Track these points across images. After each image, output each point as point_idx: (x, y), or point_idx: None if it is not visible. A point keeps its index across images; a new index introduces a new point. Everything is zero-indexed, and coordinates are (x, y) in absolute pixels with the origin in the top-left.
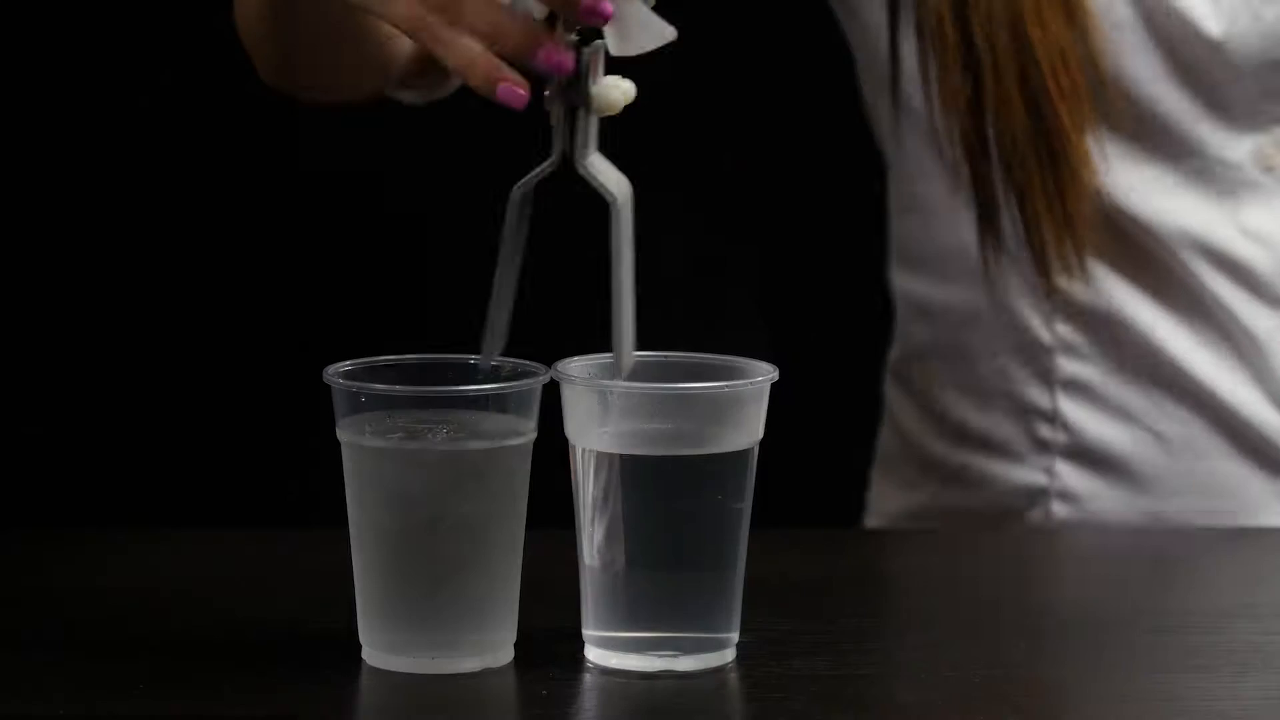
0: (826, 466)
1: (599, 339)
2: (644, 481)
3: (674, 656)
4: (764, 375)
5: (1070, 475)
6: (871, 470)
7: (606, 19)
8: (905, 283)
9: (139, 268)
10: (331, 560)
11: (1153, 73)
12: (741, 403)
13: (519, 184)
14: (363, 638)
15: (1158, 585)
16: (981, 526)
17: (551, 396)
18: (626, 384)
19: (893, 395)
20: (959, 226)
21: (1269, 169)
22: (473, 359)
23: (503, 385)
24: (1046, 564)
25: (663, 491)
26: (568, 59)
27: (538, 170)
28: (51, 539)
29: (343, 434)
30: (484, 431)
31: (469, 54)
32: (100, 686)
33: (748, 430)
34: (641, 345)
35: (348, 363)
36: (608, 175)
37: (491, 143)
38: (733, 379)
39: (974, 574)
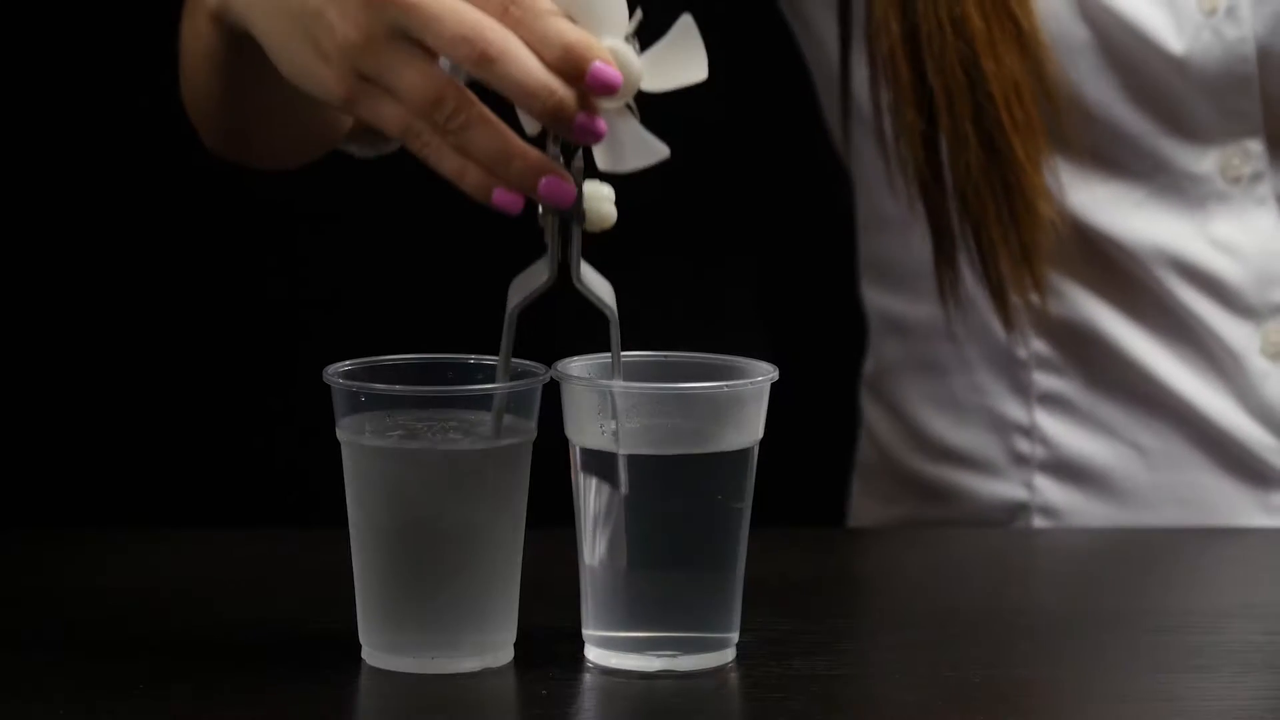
0: (827, 466)
1: (599, 339)
2: (644, 481)
3: (674, 656)
4: (764, 375)
5: (1050, 489)
6: (851, 482)
7: (600, 137)
8: (876, 297)
9: (139, 267)
10: (331, 560)
11: (1112, 95)
12: (741, 402)
13: (516, 303)
14: (363, 638)
15: (1157, 585)
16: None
17: (552, 396)
18: (626, 384)
19: (869, 409)
20: (926, 242)
21: (1236, 180)
22: (472, 359)
23: (503, 385)
24: (1048, 565)
25: (663, 491)
26: (570, 191)
27: (534, 289)
28: (51, 539)
29: (343, 434)
30: (484, 431)
31: (461, 162)
32: (100, 686)
33: (747, 430)
34: (642, 346)
35: (348, 363)
36: (600, 286)
37: None
38: (733, 379)
39: (974, 574)
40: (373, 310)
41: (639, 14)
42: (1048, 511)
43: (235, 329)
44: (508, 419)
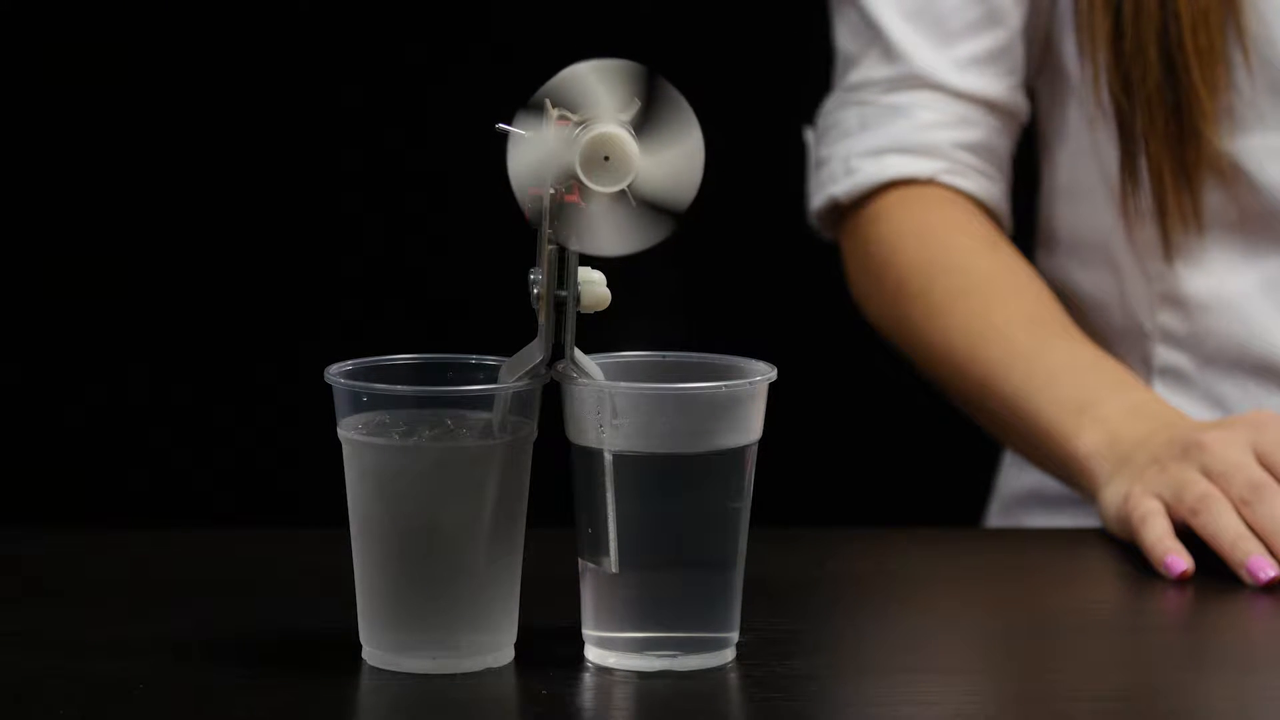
0: (826, 466)
1: (599, 339)
2: (644, 481)
3: (674, 656)
4: (762, 375)
5: None
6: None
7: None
8: (1049, 267)
9: (139, 267)
10: (331, 560)
11: None
12: (740, 402)
13: (509, 381)
14: (363, 638)
15: (1158, 584)
16: (1071, 509)
17: (552, 396)
18: (626, 384)
19: None
20: (1105, 212)
21: None
22: (472, 359)
23: (504, 385)
24: (1048, 566)
25: (662, 491)
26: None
27: (527, 369)
28: (51, 539)
29: (343, 433)
30: (484, 431)
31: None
32: (100, 686)
33: (746, 429)
34: (642, 346)
35: (348, 363)
36: (590, 368)
37: (495, 143)
38: (731, 379)
39: (974, 575)
40: (373, 310)
41: (637, 103)
42: None
43: (235, 329)
44: (508, 419)
